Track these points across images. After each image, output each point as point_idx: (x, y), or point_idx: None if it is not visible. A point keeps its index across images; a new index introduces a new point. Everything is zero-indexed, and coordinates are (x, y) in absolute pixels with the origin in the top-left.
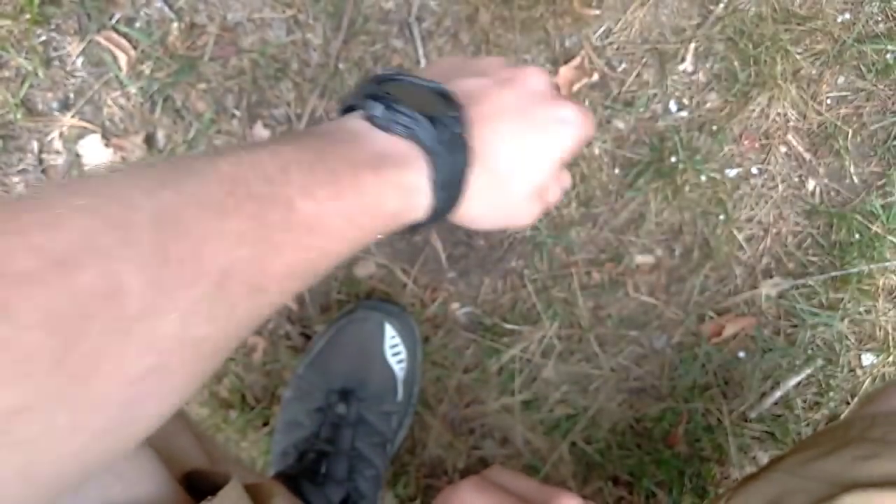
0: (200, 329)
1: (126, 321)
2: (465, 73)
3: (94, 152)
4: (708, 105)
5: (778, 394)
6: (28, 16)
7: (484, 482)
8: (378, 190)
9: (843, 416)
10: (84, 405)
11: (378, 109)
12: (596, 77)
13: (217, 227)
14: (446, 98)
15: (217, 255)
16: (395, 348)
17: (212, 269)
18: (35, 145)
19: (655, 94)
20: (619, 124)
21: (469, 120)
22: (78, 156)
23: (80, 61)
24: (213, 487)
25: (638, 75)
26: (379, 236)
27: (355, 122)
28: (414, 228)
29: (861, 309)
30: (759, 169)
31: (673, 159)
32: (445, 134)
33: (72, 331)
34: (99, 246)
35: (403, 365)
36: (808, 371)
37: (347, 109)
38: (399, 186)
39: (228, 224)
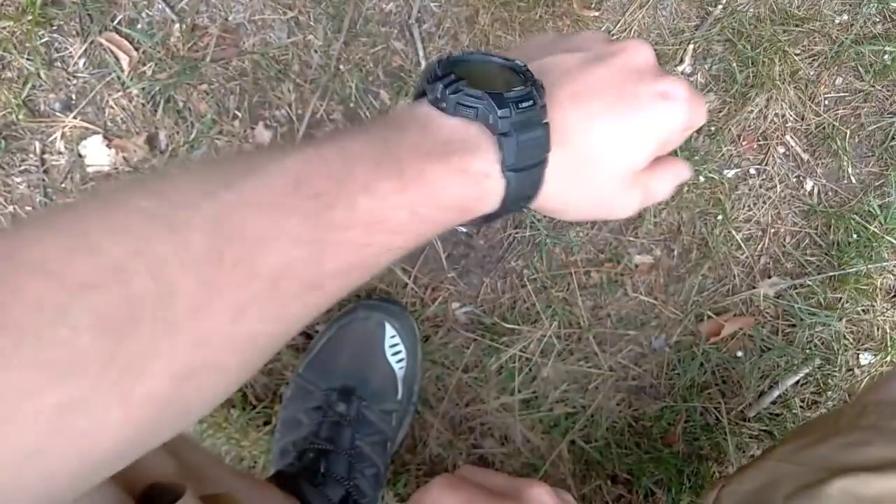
0: (253, 326)
1: (176, 321)
2: (555, 50)
3: (96, 153)
4: (706, 106)
5: (776, 393)
6: (30, 17)
7: (454, 479)
8: (445, 179)
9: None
10: (136, 400)
11: (441, 92)
12: None
13: (274, 227)
14: (521, 74)
15: (272, 256)
16: (394, 347)
17: (265, 270)
18: (37, 146)
19: None
20: None
21: (554, 98)
22: (80, 156)
23: (82, 62)
24: (172, 500)
25: None
26: (460, 228)
27: (422, 108)
28: (490, 217)
29: (859, 308)
30: (758, 169)
31: None
32: (517, 114)
33: (123, 331)
34: (156, 251)
35: (403, 364)
36: (807, 370)
37: (420, 95)
38: (466, 173)
39: (286, 224)
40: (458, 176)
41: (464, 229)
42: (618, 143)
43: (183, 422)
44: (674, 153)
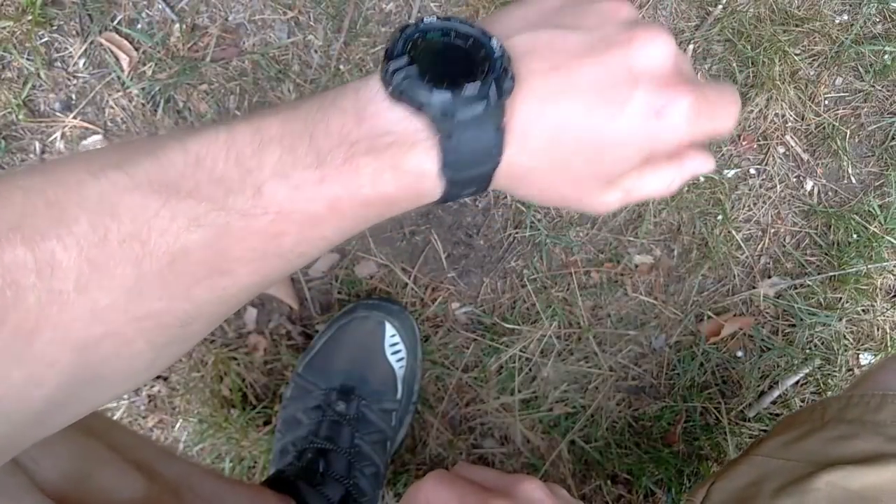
0: (153, 304)
1: (64, 292)
2: (557, 21)
3: None
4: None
5: (776, 393)
6: (30, 17)
7: (448, 474)
8: (374, 174)
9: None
10: (34, 362)
11: (389, 76)
12: None
13: (166, 209)
14: (494, 60)
15: (164, 237)
16: (394, 346)
17: (158, 251)
18: (37, 146)
19: None
20: None
21: (528, 89)
22: None
23: (82, 62)
24: None
25: None
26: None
27: (369, 88)
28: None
29: (859, 309)
30: (758, 169)
31: None
32: (465, 110)
33: (5, 297)
34: (31, 225)
35: (403, 363)
36: (806, 370)
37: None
38: (399, 170)
39: (180, 206)
40: (390, 172)
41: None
42: (589, 157)
43: (101, 391)
44: None
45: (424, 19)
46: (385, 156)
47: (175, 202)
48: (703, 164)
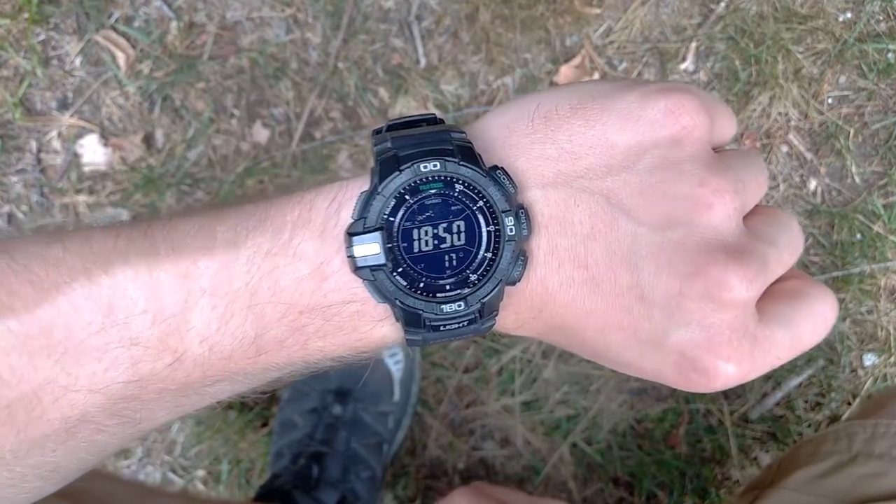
0: (45, 457)
1: None
2: (624, 194)
3: (93, 152)
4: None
5: (779, 394)
6: (27, 15)
7: (476, 492)
8: (325, 350)
9: (844, 417)
10: None
11: (355, 261)
12: (597, 76)
13: (65, 374)
14: (505, 244)
15: (59, 404)
16: (392, 348)
17: (54, 415)
18: (34, 145)
19: None
20: None
21: (540, 274)
22: (76, 155)
23: (78, 60)
24: None
25: (639, 74)
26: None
27: (336, 228)
28: None
29: (863, 309)
30: None
31: None
32: (450, 321)
33: None
34: None
35: (401, 366)
36: (810, 372)
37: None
38: (358, 344)
39: (82, 371)
40: (346, 349)
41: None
42: (606, 351)
43: None
44: None
45: (420, 165)
46: (342, 331)
47: (73, 367)
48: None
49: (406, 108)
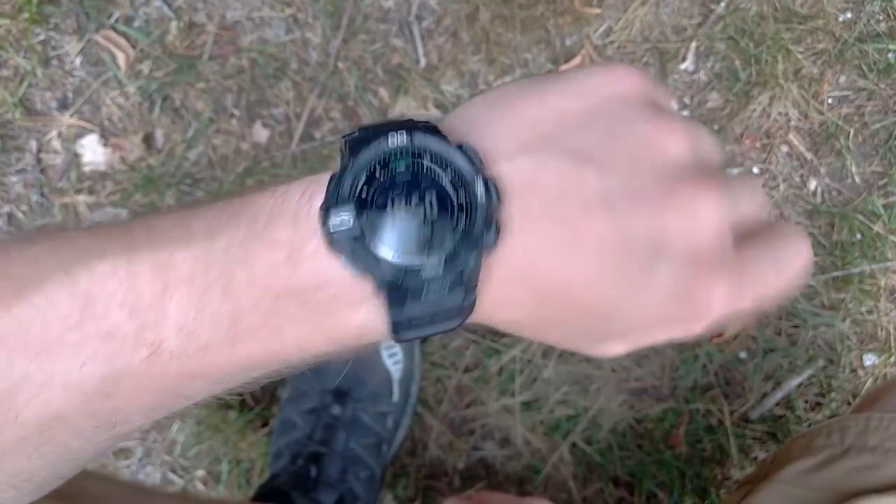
0: (21, 464)
1: None
2: (574, 145)
3: (93, 152)
4: (709, 104)
5: (779, 394)
6: (27, 15)
7: (464, 499)
8: (301, 337)
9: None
10: None
11: (331, 230)
12: None
13: (39, 371)
14: (476, 210)
15: (33, 403)
16: (391, 349)
17: (26, 417)
18: (34, 145)
19: None
20: None
21: (514, 240)
22: (76, 155)
23: (78, 60)
24: None
25: None
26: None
27: (311, 211)
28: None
29: (863, 309)
30: (761, 168)
31: None
32: (431, 282)
33: None
34: None
35: (400, 366)
36: (810, 371)
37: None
38: (334, 330)
39: (57, 367)
40: (324, 335)
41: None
42: (590, 325)
43: None
44: None
45: (389, 136)
46: (319, 316)
47: (48, 364)
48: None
49: (406, 108)
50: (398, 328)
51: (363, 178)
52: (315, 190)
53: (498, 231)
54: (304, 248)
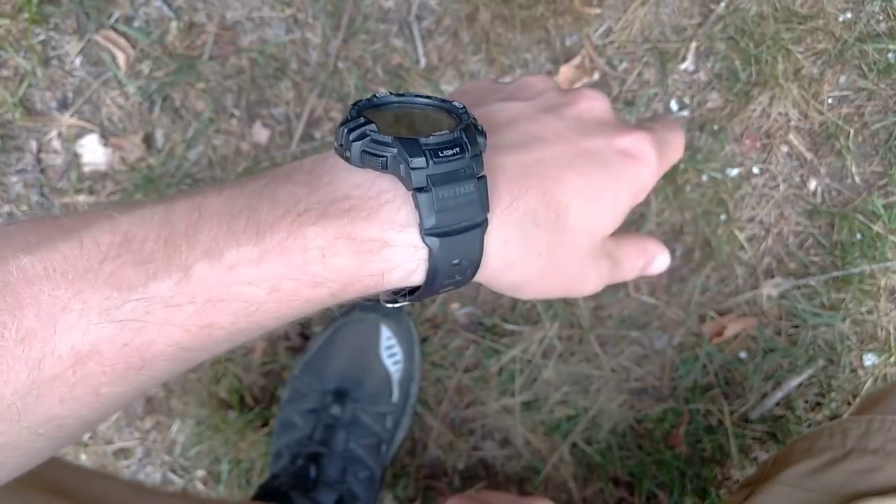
0: (52, 409)
1: None
2: (498, 96)
3: (93, 152)
4: (709, 104)
5: (779, 394)
6: (27, 15)
7: (466, 498)
8: (324, 247)
9: (844, 417)
10: None
11: (344, 138)
12: (597, 76)
13: (78, 300)
14: (456, 116)
15: (71, 334)
16: (390, 349)
17: (63, 349)
18: (33, 145)
19: (656, 94)
20: None
21: (499, 148)
22: (76, 155)
23: (78, 60)
24: None
25: (639, 74)
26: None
27: (324, 159)
28: (418, 293)
29: (863, 309)
30: (761, 168)
31: None
32: (437, 163)
33: None
34: None
35: (399, 366)
36: (810, 372)
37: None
38: (357, 240)
39: (94, 297)
40: (346, 243)
41: (390, 305)
42: (583, 202)
43: None
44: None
45: (378, 94)
46: (340, 222)
47: (89, 292)
48: (660, 250)
49: None
50: (422, 233)
51: (364, 112)
52: (324, 154)
53: (483, 132)
54: (321, 178)
